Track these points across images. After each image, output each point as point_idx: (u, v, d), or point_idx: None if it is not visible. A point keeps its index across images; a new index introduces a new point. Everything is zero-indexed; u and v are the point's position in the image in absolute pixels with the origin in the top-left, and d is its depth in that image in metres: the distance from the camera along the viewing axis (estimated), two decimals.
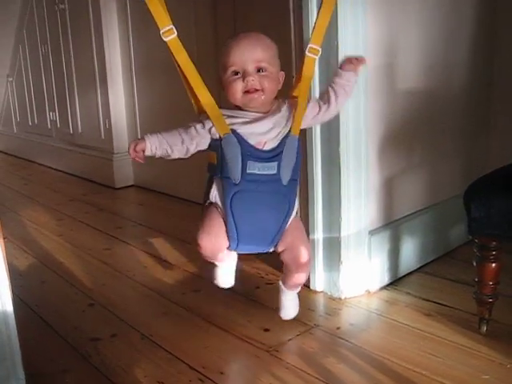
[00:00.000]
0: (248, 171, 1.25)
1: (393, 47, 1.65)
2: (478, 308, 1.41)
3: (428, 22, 1.76)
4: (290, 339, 1.43)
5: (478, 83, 2.00)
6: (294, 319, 1.49)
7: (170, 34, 1.23)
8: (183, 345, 1.43)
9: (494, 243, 1.34)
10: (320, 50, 1.30)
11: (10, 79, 4.53)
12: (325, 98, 1.33)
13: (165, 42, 1.24)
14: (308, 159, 1.62)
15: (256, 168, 1.25)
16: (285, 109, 1.30)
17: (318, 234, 1.65)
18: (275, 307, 1.51)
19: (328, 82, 1.51)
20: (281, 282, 1.45)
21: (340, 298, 1.64)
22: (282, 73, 1.31)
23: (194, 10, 2.56)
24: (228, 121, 1.26)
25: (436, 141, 1.87)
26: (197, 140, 1.29)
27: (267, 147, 1.26)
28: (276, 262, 1.89)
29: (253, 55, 1.24)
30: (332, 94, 1.31)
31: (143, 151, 1.30)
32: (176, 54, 1.25)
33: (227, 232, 1.30)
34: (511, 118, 2.02)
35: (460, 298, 1.58)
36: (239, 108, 1.29)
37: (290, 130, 1.28)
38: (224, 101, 1.31)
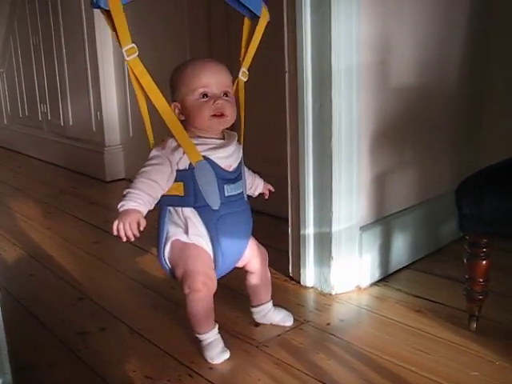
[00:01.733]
0: (226, 194, 1.27)
1: (386, 44, 1.65)
2: (467, 305, 1.41)
3: (422, 19, 1.75)
4: (279, 335, 1.43)
5: (470, 81, 2.00)
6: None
7: (132, 53, 1.18)
8: (172, 339, 1.42)
9: (485, 240, 1.33)
10: (248, 73, 1.38)
11: (1, 70, 4.49)
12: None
13: (126, 61, 1.18)
14: (300, 154, 1.61)
15: (232, 190, 1.28)
16: (235, 135, 1.34)
17: (309, 230, 1.64)
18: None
19: (321, 79, 1.53)
20: (256, 308, 1.47)
21: (330, 294, 1.64)
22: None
23: (188, 21, 2.58)
24: (198, 148, 1.24)
25: (428, 138, 1.87)
26: (172, 178, 1.24)
27: (232, 169, 1.29)
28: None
29: (222, 80, 1.26)
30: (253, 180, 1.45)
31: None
32: (140, 76, 1.20)
33: (215, 261, 1.30)
34: (503, 116, 2.02)
35: (450, 295, 1.58)
36: (197, 136, 1.27)
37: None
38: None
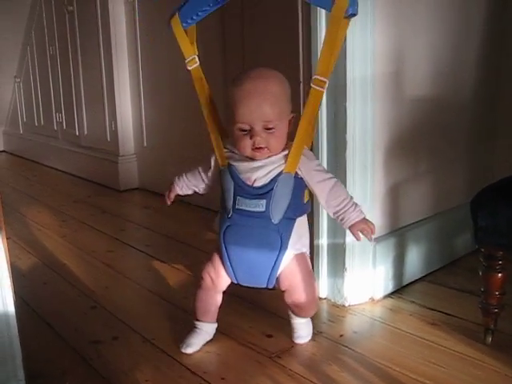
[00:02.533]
0: (237, 206, 1.27)
1: (400, 54, 1.65)
2: (483, 318, 1.39)
3: (436, 29, 1.75)
4: (292, 346, 1.42)
5: (485, 92, 1.99)
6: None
7: (193, 64, 1.32)
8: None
9: (501, 253, 1.32)
10: (327, 82, 1.23)
11: (18, 80, 4.55)
12: (335, 200, 1.28)
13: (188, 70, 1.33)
14: None
15: (244, 204, 1.26)
16: (286, 151, 1.26)
17: (323, 240, 1.64)
18: (278, 313, 1.51)
19: (335, 89, 1.52)
20: (290, 313, 1.43)
21: (344, 305, 1.63)
22: (293, 115, 1.27)
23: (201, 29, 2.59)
24: (227, 154, 1.30)
25: (442, 149, 1.86)
26: (212, 176, 1.37)
27: (257, 184, 1.25)
28: None
29: (261, 116, 1.20)
30: (337, 207, 1.28)
31: (175, 195, 1.45)
32: (195, 82, 1.33)
33: (223, 263, 1.32)
34: None
35: (465, 308, 1.57)
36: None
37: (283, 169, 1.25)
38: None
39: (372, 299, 1.66)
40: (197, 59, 1.32)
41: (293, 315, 1.43)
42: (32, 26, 4.10)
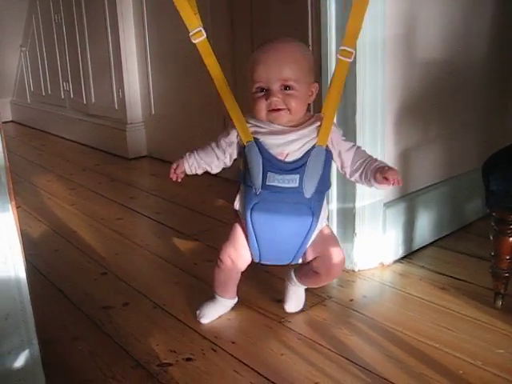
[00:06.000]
0: (268, 182, 1.21)
1: (411, 17, 1.61)
2: (493, 282, 1.39)
3: None
4: (302, 310, 1.43)
5: (497, 56, 1.96)
6: (307, 290, 1.48)
7: (198, 37, 1.20)
8: (195, 314, 1.43)
9: None
10: (354, 52, 1.18)
11: (24, 49, 4.52)
12: (356, 165, 1.24)
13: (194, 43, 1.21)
14: None
15: (276, 180, 1.20)
16: (318, 123, 1.23)
17: (333, 205, 1.63)
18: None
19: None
20: (293, 275, 1.37)
21: (353, 270, 1.63)
22: (316, 84, 1.24)
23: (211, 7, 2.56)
24: (252, 129, 1.23)
25: (453, 113, 1.84)
26: (229, 151, 1.28)
27: (289, 158, 1.21)
28: None
29: (279, 73, 1.17)
30: (360, 171, 1.24)
31: (183, 172, 1.32)
32: (204, 57, 1.21)
33: (248, 242, 1.27)
34: None
35: (475, 273, 1.57)
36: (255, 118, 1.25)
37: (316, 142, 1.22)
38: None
39: (382, 264, 1.66)
40: (203, 32, 1.19)
41: (298, 283, 1.38)
42: None
